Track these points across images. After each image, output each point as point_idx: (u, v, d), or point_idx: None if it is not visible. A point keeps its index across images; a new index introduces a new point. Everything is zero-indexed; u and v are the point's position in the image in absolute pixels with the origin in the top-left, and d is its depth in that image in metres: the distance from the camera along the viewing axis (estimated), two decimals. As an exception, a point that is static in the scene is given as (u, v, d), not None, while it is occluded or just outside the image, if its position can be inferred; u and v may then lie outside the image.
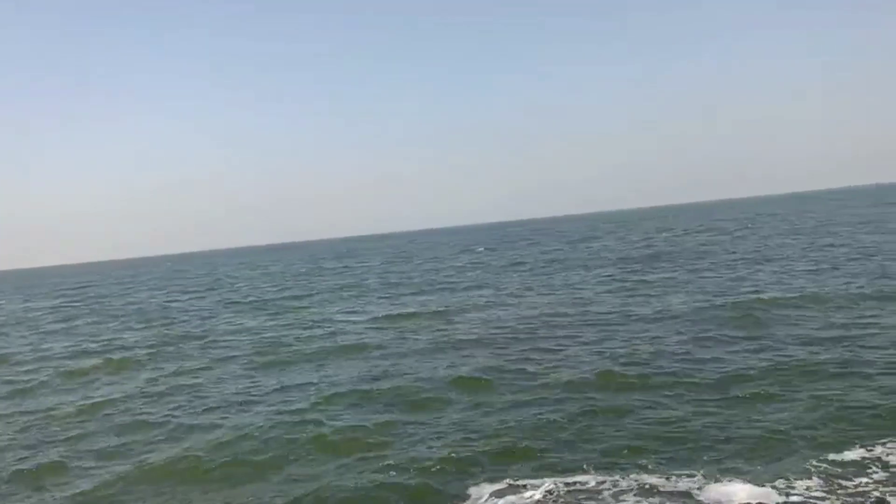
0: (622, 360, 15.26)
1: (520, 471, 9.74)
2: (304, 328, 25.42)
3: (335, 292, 39.04)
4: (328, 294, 38.63)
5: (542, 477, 9.46)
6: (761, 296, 21.06)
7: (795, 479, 8.50)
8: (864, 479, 8.43)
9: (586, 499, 8.73)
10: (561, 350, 16.91)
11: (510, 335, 19.45)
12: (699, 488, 8.54)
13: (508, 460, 10.18)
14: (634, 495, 8.63)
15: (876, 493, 8.04)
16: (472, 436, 11.39)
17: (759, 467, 9.02)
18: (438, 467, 10.12)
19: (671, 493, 8.55)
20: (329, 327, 24.94)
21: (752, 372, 13.23)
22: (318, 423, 12.68)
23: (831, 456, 9.11)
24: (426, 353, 18.34)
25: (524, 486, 9.22)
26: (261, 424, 12.83)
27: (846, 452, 9.18)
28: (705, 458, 9.54)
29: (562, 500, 8.77)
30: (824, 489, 8.23)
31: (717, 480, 8.68)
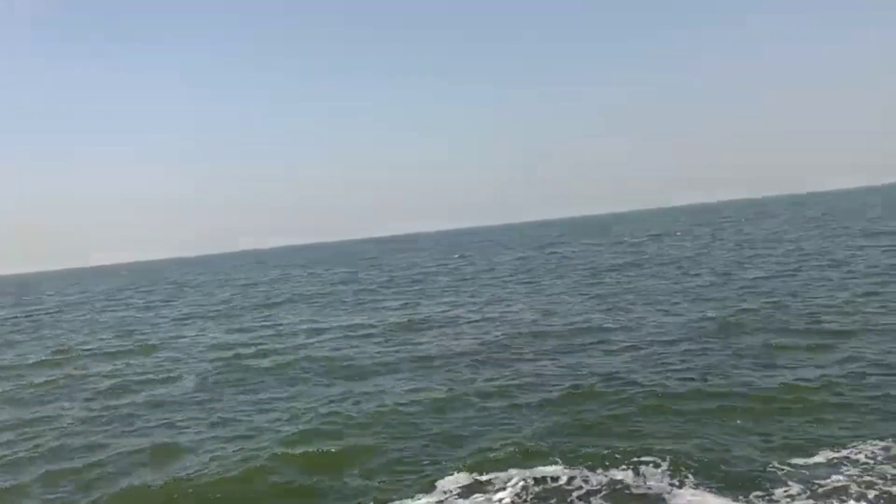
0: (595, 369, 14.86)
1: (489, 466, 9.59)
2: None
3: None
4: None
5: (511, 473, 9.31)
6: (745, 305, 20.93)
7: (772, 487, 8.41)
8: (839, 479, 8.36)
9: (556, 496, 8.60)
10: (534, 361, 16.29)
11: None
12: (669, 492, 8.42)
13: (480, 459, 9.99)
14: (604, 496, 8.52)
15: (854, 491, 8.01)
16: (441, 434, 11.20)
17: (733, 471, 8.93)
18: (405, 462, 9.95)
19: (642, 495, 8.45)
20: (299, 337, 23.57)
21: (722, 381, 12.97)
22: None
23: (801, 459, 9.04)
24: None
25: (492, 482, 9.08)
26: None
27: (816, 456, 9.11)
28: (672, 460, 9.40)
29: (531, 497, 8.64)
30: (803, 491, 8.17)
31: (690, 486, 8.57)
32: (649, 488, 8.56)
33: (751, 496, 8.14)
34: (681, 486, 8.55)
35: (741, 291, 22.36)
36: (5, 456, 12.05)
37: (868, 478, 8.32)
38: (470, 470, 9.44)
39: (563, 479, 8.97)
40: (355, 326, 23.35)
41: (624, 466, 9.19)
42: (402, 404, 12.70)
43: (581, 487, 8.75)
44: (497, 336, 18.68)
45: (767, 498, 8.09)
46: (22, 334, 32.95)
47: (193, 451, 11.35)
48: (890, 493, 7.94)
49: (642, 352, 15.26)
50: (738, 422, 10.57)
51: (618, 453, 9.62)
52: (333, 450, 10.65)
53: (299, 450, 10.74)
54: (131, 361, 20.72)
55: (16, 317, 45.55)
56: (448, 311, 25.01)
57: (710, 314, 18.52)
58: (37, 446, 12.42)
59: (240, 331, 25.60)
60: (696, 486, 8.49)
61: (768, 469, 8.83)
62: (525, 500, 8.57)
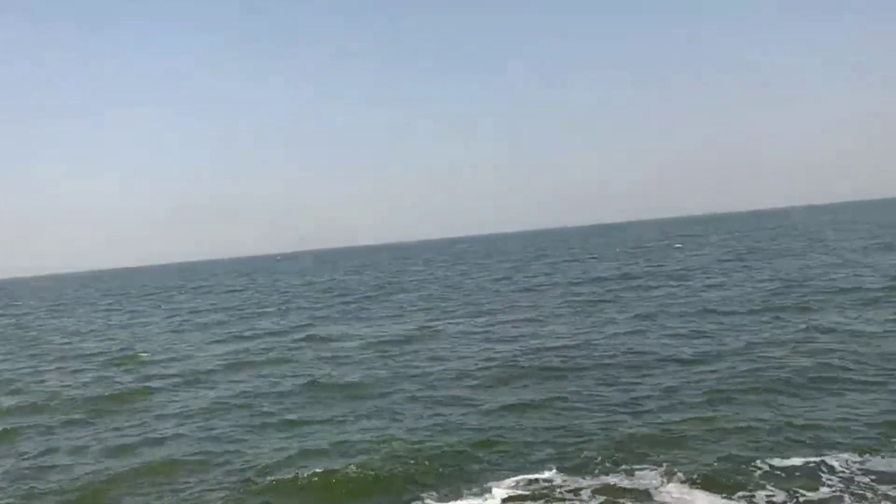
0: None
1: (481, 469, 10.03)
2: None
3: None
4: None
5: (503, 475, 9.75)
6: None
7: (753, 488, 8.85)
8: (818, 484, 8.83)
9: (546, 496, 9.00)
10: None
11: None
12: (657, 488, 8.85)
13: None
14: (593, 492, 8.95)
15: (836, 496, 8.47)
16: (432, 434, 11.66)
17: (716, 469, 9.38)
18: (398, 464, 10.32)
19: (631, 491, 8.88)
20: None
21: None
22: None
23: (780, 462, 9.52)
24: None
25: (487, 484, 9.48)
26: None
27: (794, 459, 9.59)
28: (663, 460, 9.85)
29: (522, 495, 9.03)
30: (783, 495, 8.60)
31: (679, 481, 9.00)
32: (639, 486, 9.01)
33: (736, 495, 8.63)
34: (669, 483, 9.01)
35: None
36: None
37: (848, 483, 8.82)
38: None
39: (557, 481, 9.42)
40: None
41: (617, 469, 9.67)
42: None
43: (572, 488, 9.18)
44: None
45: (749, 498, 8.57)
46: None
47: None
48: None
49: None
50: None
51: (611, 456, 10.15)
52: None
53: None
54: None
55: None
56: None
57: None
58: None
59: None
60: (684, 483, 8.97)
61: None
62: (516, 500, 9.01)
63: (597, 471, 9.68)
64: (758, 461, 9.62)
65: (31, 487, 10.97)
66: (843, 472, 9.18)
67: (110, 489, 10.60)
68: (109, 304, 58.96)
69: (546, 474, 9.68)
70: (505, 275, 49.56)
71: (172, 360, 22.47)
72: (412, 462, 10.64)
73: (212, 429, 13.40)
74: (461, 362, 17.91)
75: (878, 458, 9.47)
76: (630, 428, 11.44)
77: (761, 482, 8.97)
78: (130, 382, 19.02)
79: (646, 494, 8.80)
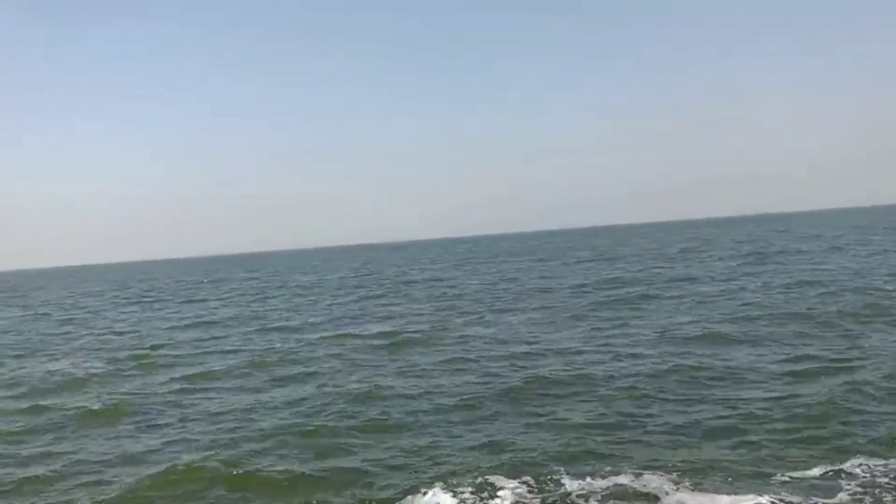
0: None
1: (490, 469, 9.85)
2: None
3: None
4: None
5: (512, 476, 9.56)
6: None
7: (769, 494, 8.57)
8: (840, 493, 8.51)
9: (555, 499, 8.81)
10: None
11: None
12: (668, 493, 8.62)
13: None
14: (603, 495, 8.73)
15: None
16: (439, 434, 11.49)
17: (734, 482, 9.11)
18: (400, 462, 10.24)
19: (642, 495, 8.66)
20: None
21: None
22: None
23: (799, 473, 9.20)
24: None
25: (493, 484, 9.30)
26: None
27: (815, 469, 9.27)
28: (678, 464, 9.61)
29: (531, 497, 8.85)
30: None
31: (690, 488, 8.76)
32: (650, 491, 8.78)
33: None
34: (680, 488, 8.78)
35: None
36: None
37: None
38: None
39: (566, 484, 9.22)
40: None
41: (628, 472, 9.43)
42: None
43: (582, 490, 8.99)
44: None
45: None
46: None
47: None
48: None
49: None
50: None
51: (622, 459, 9.93)
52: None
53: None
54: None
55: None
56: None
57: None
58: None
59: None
60: (695, 489, 8.73)
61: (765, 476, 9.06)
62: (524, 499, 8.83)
63: (607, 474, 9.45)
64: (774, 467, 9.34)
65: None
66: (863, 477, 8.88)
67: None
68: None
69: (555, 476, 9.48)
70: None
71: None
72: (418, 458, 10.55)
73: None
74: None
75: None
76: (644, 432, 11.22)
77: (777, 488, 8.67)
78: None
79: (656, 499, 8.58)
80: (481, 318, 25.62)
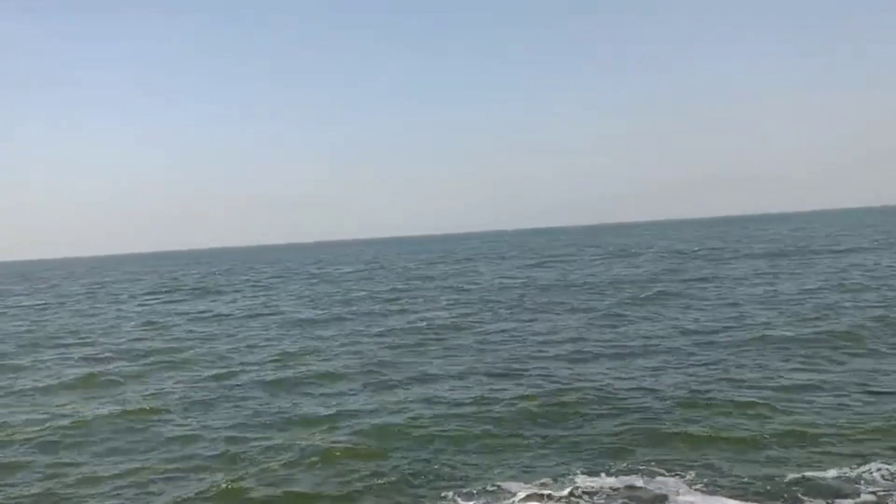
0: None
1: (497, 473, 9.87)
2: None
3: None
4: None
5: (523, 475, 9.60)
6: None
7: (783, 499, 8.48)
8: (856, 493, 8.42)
9: (565, 496, 8.82)
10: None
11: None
12: (678, 493, 8.58)
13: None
14: (613, 494, 8.73)
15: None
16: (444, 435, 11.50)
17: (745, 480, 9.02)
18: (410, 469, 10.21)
19: (652, 495, 8.64)
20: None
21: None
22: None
23: (814, 472, 9.08)
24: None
25: (506, 484, 9.34)
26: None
27: (829, 471, 9.13)
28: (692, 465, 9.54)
29: (541, 494, 8.88)
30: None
31: (702, 489, 8.70)
32: (661, 491, 8.75)
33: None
34: (692, 489, 8.73)
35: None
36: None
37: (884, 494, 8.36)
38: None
39: (577, 482, 9.23)
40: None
41: (639, 472, 9.41)
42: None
43: (592, 489, 8.99)
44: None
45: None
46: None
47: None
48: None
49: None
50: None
51: (634, 458, 9.92)
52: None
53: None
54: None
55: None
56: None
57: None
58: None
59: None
60: (706, 491, 8.67)
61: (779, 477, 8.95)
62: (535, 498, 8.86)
63: (618, 473, 9.45)
64: (790, 470, 9.22)
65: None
66: (885, 482, 8.71)
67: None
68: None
69: (566, 475, 9.49)
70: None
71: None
72: (431, 459, 10.60)
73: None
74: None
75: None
76: (656, 429, 11.17)
77: (792, 492, 8.58)
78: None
79: (667, 499, 8.54)
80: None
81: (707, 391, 13.13)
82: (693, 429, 11.05)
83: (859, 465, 9.22)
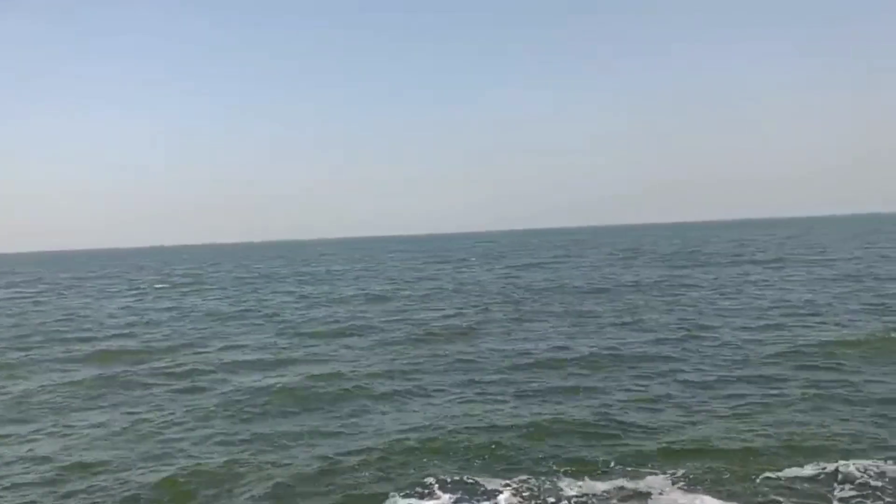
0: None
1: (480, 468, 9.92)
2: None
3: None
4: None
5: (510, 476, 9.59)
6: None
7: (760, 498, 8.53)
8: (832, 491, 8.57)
9: (552, 498, 8.82)
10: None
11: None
12: (662, 493, 8.58)
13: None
14: (600, 494, 8.79)
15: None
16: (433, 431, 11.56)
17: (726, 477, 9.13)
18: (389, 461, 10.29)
19: (637, 494, 8.72)
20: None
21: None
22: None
23: (793, 471, 9.20)
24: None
25: (492, 485, 9.32)
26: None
27: (807, 468, 9.27)
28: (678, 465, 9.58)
29: (528, 495, 8.86)
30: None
31: (683, 489, 8.72)
32: (646, 490, 8.83)
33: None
34: (674, 486, 8.82)
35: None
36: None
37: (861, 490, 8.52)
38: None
39: (563, 483, 9.24)
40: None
41: (625, 473, 9.49)
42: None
43: (578, 491, 9.01)
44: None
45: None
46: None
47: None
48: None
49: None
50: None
51: (620, 459, 9.97)
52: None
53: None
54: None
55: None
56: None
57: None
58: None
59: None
60: (691, 490, 8.73)
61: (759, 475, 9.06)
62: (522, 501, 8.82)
63: (604, 474, 9.51)
64: (769, 469, 9.33)
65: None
66: (859, 479, 8.83)
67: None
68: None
69: (552, 476, 9.52)
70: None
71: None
72: (418, 455, 10.65)
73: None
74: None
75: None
76: (643, 431, 11.28)
77: (771, 490, 8.68)
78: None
79: (651, 498, 8.60)
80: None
81: (692, 398, 13.20)
82: (677, 435, 11.09)
83: (836, 462, 9.34)
